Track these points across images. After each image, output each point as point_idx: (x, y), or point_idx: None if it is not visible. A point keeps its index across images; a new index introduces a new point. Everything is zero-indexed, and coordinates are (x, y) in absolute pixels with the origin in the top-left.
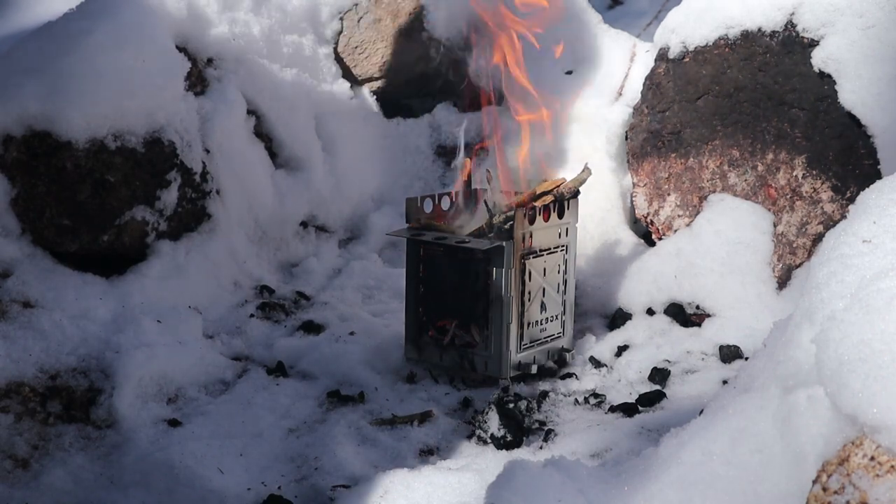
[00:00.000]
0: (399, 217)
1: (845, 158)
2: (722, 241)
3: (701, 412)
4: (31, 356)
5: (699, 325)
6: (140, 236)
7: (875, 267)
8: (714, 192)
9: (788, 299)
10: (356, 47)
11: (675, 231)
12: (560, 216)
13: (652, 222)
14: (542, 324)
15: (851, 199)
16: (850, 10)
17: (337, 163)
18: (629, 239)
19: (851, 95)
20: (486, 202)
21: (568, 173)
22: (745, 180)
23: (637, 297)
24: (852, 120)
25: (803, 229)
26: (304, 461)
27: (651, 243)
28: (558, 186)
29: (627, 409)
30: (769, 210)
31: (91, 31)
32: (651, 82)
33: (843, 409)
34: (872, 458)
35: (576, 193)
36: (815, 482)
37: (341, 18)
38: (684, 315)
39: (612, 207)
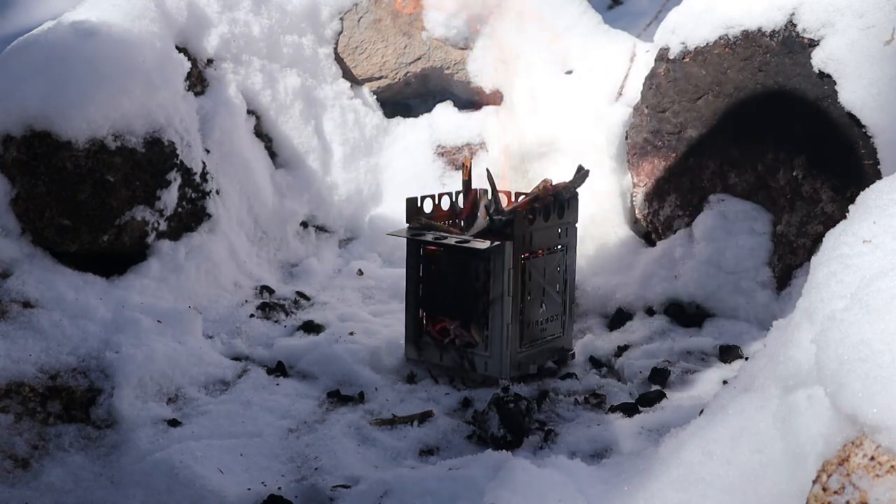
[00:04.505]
0: (399, 217)
1: (845, 158)
2: (722, 240)
3: (701, 412)
4: (31, 356)
5: (699, 325)
6: (140, 236)
7: (875, 267)
8: (714, 192)
9: (788, 299)
10: (356, 47)
11: (675, 231)
12: (560, 216)
13: (652, 222)
14: (542, 324)
15: (851, 199)
16: (850, 10)
17: (337, 162)
18: (629, 239)
19: (851, 95)
20: (486, 203)
21: (567, 173)
22: (745, 180)
23: (637, 297)
24: (852, 120)
25: (803, 229)
26: (304, 461)
27: (651, 243)
28: (558, 188)
29: (627, 409)
30: (769, 210)
31: (91, 32)
32: (651, 82)
33: (843, 409)
34: (872, 458)
35: (575, 194)
36: (815, 482)
37: (341, 18)
38: (684, 315)
39: (612, 207)
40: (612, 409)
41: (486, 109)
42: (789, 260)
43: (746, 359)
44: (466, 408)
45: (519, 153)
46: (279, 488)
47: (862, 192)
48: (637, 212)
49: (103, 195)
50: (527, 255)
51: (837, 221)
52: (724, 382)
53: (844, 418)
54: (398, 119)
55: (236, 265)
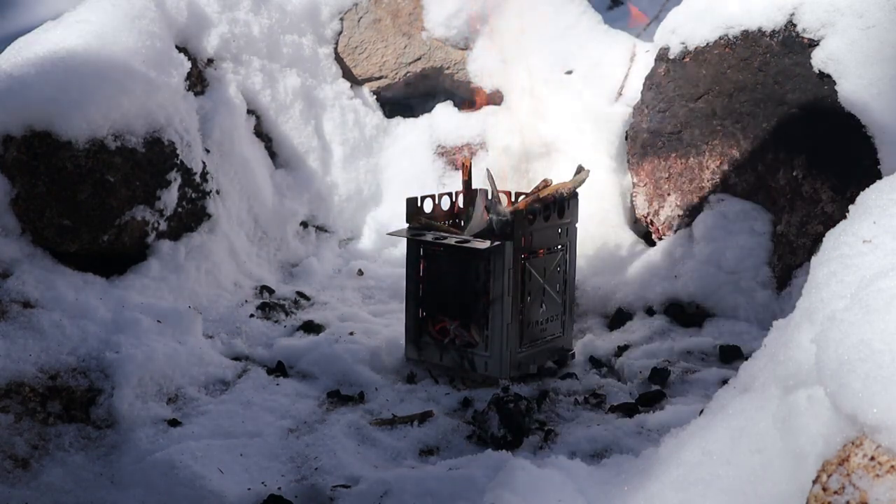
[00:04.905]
0: (399, 217)
1: (845, 158)
2: (722, 240)
3: (701, 412)
4: (31, 356)
5: (699, 325)
6: (140, 236)
7: (875, 267)
8: (714, 192)
9: (788, 299)
10: (356, 47)
11: (675, 231)
12: (560, 216)
13: (652, 222)
14: (542, 324)
15: (851, 199)
16: (850, 11)
17: (337, 162)
18: (629, 239)
19: (851, 95)
20: (486, 202)
21: (567, 173)
22: (745, 180)
23: (637, 297)
24: (852, 120)
25: (803, 229)
26: (304, 461)
27: (651, 243)
28: (559, 189)
29: (627, 409)
30: (769, 210)
31: (91, 32)
32: (651, 82)
33: (843, 409)
34: (872, 458)
35: (575, 194)
36: (815, 482)
37: (341, 18)
38: (684, 315)
39: (612, 207)
40: (612, 409)
41: (486, 109)
42: (789, 260)
43: (746, 359)
44: (466, 408)
45: (519, 153)
46: (279, 488)
47: (862, 192)
48: (637, 212)
49: (103, 195)
50: (527, 255)
51: (837, 221)
52: (724, 382)
53: (844, 418)
54: (398, 119)
55: (236, 265)
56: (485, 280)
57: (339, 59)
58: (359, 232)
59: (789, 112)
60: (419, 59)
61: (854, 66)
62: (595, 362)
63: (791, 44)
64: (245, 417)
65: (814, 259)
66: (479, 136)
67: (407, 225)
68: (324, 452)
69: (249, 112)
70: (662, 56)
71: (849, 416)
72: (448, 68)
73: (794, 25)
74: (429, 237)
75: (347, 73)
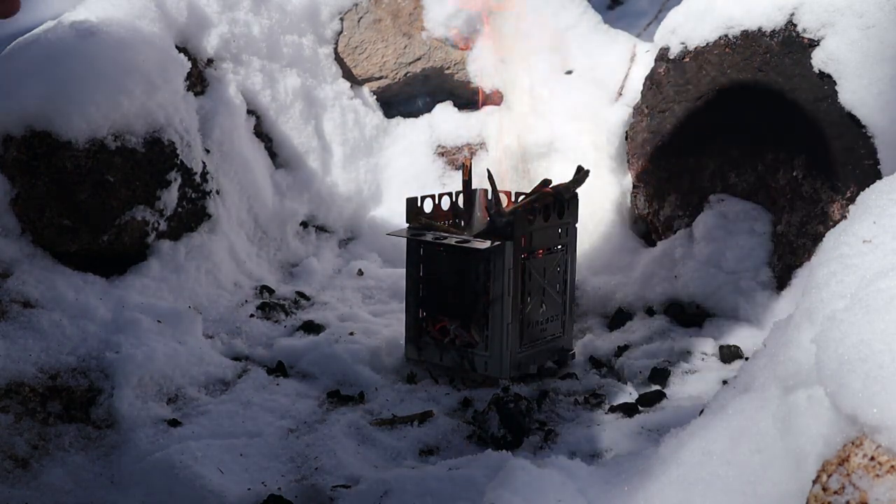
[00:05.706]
0: (399, 217)
1: (845, 158)
2: (722, 240)
3: (701, 412)
4: (31, 356)
5: (699, 325)
6: (140, 236)
7: (875, 267)
8: (714, 192)
9: (788, 299)
10: (356, 47)
11: (675, 231)
12: (560, 216)
13: (652, 222)
14: (542, 324)
15: (851, 199)
16: (850, 11)
17: (337, 162)
18: (629, 239)
19: (851, 95)
20: (486, 202)
21: (567, 173)
22: (745, 180)
23: (637, 297)
24: (852, 120)
25: (803, 229)
26: (304, 461)
27: (651, 243)
28: (559, 189)
29: (627, 409)
30: (769, 210)
31: (91, 31)
32: (651, 82)
33: (843, 409)
34: (872, 458)
35: (575, 194)
36: (815, 482)
37: (341, 18)
38: (684, 315)
39: (612, 207)
40: (612, 409)
41: (486, 109)
42: (789, 260)
43: (746, 359)
44: (466, 408)
45: (519, 153)
46: (279, 488)
47: (862, 192)
48: (637, 212)
49: (103, 195)
50: (527, 255)
51: (837, 221)
52: (724, 382)
53: (844, 418)
54: (398, 119)
55: (236, 265)
56: (485, 280)
57: (339, 59)
58: (359, 232)
59: (789, 112)
60: (419, 59)
61: (854, 66)
62: (595, 362)
63: (791, 44)
64: (245, 417)
65: (814, 259)
66: (479, 136)
67: (407, 225)
68: (324, 452)
69: (249, 112)
70: (662, 56)
71: (849, 416)
72: (448, 68)
73: (794, 25)
74: (429, 237)
75: (347, 73)
